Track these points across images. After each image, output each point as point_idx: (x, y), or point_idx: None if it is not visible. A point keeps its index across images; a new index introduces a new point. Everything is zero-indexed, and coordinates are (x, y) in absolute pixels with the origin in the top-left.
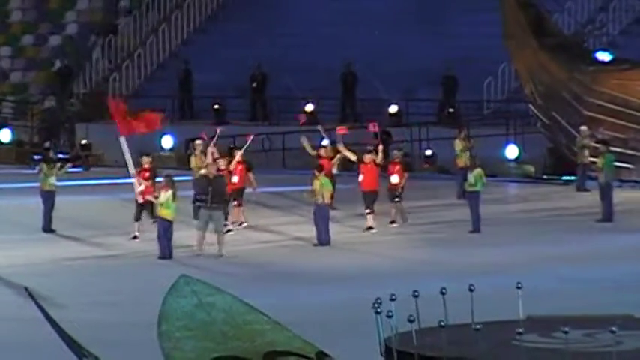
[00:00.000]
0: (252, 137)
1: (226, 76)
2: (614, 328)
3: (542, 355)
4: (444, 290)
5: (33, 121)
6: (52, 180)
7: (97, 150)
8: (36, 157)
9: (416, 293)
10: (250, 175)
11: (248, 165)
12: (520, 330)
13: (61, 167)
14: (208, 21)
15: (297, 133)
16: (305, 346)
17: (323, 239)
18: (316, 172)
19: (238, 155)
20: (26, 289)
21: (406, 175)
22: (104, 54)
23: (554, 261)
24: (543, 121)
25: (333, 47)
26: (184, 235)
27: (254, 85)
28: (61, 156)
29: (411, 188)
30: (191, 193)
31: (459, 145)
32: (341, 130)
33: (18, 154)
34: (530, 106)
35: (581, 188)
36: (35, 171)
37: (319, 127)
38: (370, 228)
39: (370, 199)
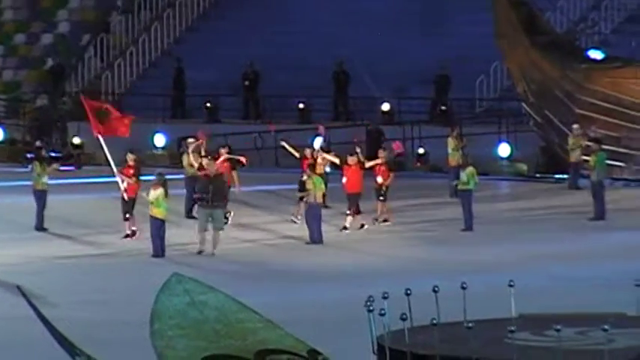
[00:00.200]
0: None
1: (219, 75)
2: (606, 327)
3: (535, 353)
4: (436, 288)
5: (25, 119)
6: (45, 179)
7: (89, 148)
8: (29, 156)
9: (408, 291)
10: (234, 173)
11: (233, 164)
12: (512, 328)
13: (53, 166)
14: (200, 19)
15: (290, 131)
16: (297, 345)
17: (315, 238)
18: (309, 171)
19: (224, 153)
20: (18, 287)
21: (391, 174)
22: (96, 52)
23: (547, 259)
24: (536, 120)
25: (326, 46)
26: (177, 234)
27: (246, 83)
28: (53, 154)
29: (403, 187)
30: (183, 191)
31: (451, 143)
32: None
33: (10, 153)
34: (523, 104)
35: (573, 186)
36: (28, 169)
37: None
38: (345, 228)
39: (353, 200)
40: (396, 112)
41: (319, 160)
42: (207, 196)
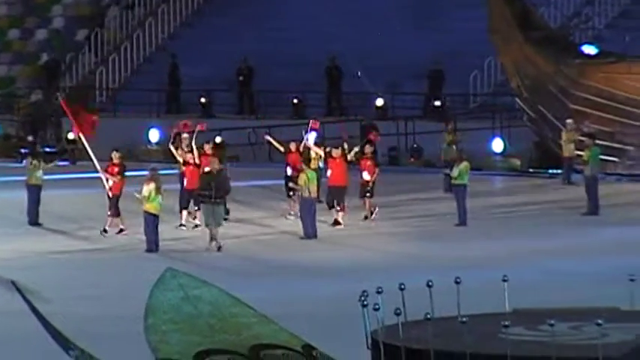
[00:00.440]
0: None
1: (213, 70)
2: (599, 321)
3: (529, 347)
4: (430, 283)
5: (19, 115)
6: (39, 174)
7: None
8: (23, 151)
9: (402, 286)
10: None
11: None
12: (506, 323)
13: (50, 161)
14: (195, 15)
15: (284, 126)
16: (291, 339)
17: (309, 232)
18: (303, 166)
19: (208, 148)
20: (13, 282)
21: (377, 170)
22: (91, 47)
23: (540, 254)
24: (529, 115)
25: (320, 41)
26: (171, 229)
27: (241, 78)
28: (47, 149)
29: (397, 182)
30: (177, 186)
31: (446, 138)
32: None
33: (5, 148)
34: (517, 99)
35: (567, 181)
36: (23, 164)
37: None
38: (337, 223)
39: (339, 194)
40: (390, 107)
41: (313, 155)
42: (210, 192)
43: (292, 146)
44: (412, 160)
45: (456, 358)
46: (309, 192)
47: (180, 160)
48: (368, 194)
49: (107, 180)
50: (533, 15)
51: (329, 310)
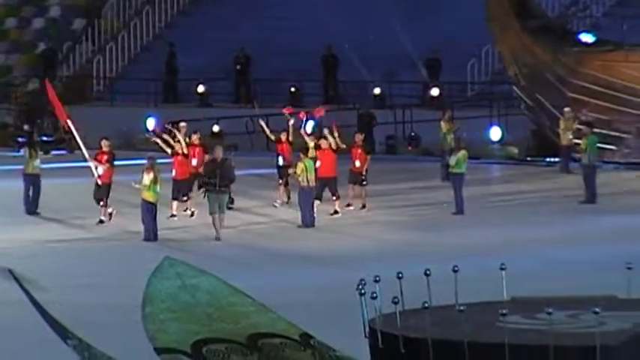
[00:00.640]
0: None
1: (210, 59)
2: (597, 309)
3: (526, 336)
4: (427, 272)
5: (16, 103)
6: (37, 163)
7: (80, 133)
8: (20, 140)
9: (400, 275)
10: (207, 157)
11: (205, 148)
12: (504, 311)
13: (47, 152)
14: (192, 3)
15: (281, 115)
16: (289, 328)
17: (307, 221)
18: (301, 155)
19: (196, 139)
20: (10, 271)
21: (368, 158)
22: (88, 36)
23: (538, 242)
24: (527, 103)
25: (317, 30)
26: (167, 217)
27: (238, 67)
28: (44, 139)
29: (394, 170)
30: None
31: (444, 127)
32: (288, 110)
33: (2, 137)
34: (514, 87)
35: (564, 170)
36: (20, 153)
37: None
38: (336, 212)
39: (330, 184)
40: (387, 95)
41: (310, 144)
42: (215, 180)
43: (283, 136)
44: (410, 148)
45: (454, 347)
46: (307, 181)
47: (168, 150)
48: (364, 182)
49: (96, 168)
50: (531, 3)
51: (327, 299)
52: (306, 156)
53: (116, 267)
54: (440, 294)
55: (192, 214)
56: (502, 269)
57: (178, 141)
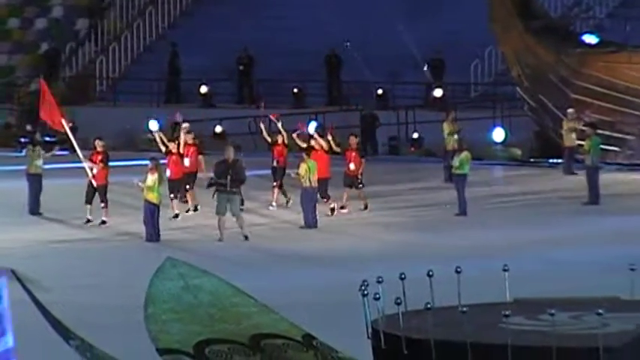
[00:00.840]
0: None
1: (213, 59)
2: (600, 311)
3: (529, 337)
4: (430, 273)
5: (19, 103)
6: (39, 163)
7: (82, 133)
8: (23, 140)
9: (402, 276)
10: (200, 157)
11: (199, 148)
12: (507, 312)
13: (49, 151)
14: (195, 4)
15: (284, 116)
16: (292, 329)
17: (310, 222)
18: (304, 156)
19: (189, 139)
20: (12, 271)
21: (363, 161)
22: (91, 37)
23: (541, 244)
24: (530, 104)
25: (320, 30)
26: (169, 218)
27: (241, 67)
28: (47, 139)
29: (397, 171)
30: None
31: (447, 128)
32: (273, 115)
33: (5, 137)
34: (517, 88)
35: (567, 171)
36: (22, 154)
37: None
38: (333, 209)
39: (322, 186)
40: (390, 96)
41: (314, 143)
42: (226, 180)
43: (279, 138)
44: (412, 149)
45: (456, 348)
46: (310, 182)
47: (163, 149)
48: (360, 185)
49: (91, 169)
50: (534, 4)
51: (329, 300)
52: (309, 157)
53: (118, 268)
54: (442, 295)
55: (195, 209)
56: (505, 270)
57: (174, 140)
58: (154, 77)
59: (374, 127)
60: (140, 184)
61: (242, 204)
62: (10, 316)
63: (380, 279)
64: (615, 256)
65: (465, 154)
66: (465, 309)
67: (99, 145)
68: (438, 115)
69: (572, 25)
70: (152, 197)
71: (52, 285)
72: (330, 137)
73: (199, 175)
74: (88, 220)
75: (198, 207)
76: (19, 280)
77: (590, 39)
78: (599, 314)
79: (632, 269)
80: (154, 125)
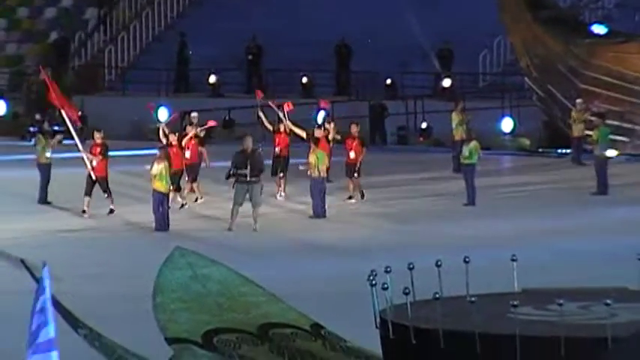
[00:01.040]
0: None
1: (222, 49)
2: (608, 301)
3: (537, 327)
4: (439, 263)
5: (28, 93)
6: (48, 152)
7: (92, 122)
8: (32, 130)
9: (411, 265)
10: (203, 150)
11: (200, 140)
12: (515, 303)
13: (59, 140)
14: None
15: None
16: (300, 318)
17: (319, 212)
18: (312, 145)
19: (191, 132)
20: (22, 260)
21: (364, 150)
22: (100, 26)
23: (549, 233)
24: (539, 94)
25: (329, 20)
26: (179, 208)
27: (250, 57)
28: (56, 128)
29: (406, 161)
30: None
31: (455, 118)
32: (289, 106)
33: (14, 127)
34: (526, 79)
35: (576, 161)
36: (31, 143)
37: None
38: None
39: None
40: (399, 86)
41: (323, 134)
42: (246, 170)
43: (281, 127)
44: (421, 139)
45: (465, 338)
46: (319, 172)
47: (164, 140)
48: (355, 175)
49: (91, 161)
50: None
51: (338, 289)
52: (318, 147)
53: (127, 257)
54: (451, 285)
55: (196, 200)
56: (513, 260)
57: (174, 132)
58: (163, 67)
59: (383, 117)
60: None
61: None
62: (52, 307)
63: (388, 269)
64: (624, 246)
65: (473, 144)
66: (473, 299)
67: (98, 136)
68: (447, 105)
69: (581, 15)
70: (160, 186)
71: (61, 274)
72: (330, 126)
73: (203, 165)
74: (84, 211)
75: (199, 199)
76: (28, 269)
77: (599, 29)
78: (607, 304)
79: None
80: (163, 114)
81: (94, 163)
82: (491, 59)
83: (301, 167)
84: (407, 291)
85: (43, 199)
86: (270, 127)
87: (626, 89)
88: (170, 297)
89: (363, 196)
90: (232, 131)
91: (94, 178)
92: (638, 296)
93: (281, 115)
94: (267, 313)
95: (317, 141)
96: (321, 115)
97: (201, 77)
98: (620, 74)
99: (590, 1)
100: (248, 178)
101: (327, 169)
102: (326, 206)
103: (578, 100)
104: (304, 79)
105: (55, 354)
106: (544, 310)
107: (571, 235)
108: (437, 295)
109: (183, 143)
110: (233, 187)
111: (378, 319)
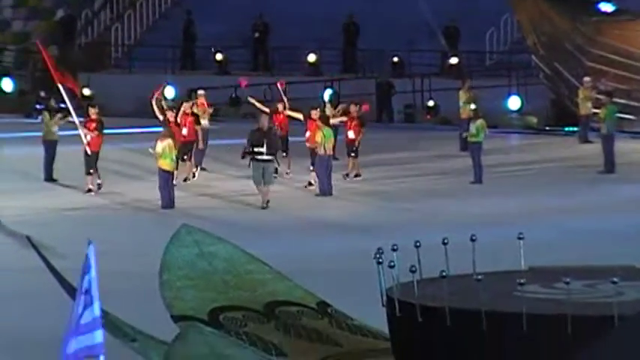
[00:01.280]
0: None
1: (228, 26)
2: (615, 279)
3: (544, 305)
4: (445, 240)
5: (34, 70)
6: (55, 129)
7: (98, 100)
8: (38, 107)
9: (417, 243)
10: (198, 128)
11: (197, 118)
12: (522, 281)
13: (63, 117)
14: None
15: (299, 83)
16: (306, 296)
17: (325, 189)
18: (319, 123)
19: (187, 107)
20: (28, 238)
21: (363, 130)
22: (106, 4)
23: (556, 212)
24: (546, 72)
25: None
26: (186, 185)
27: (256, 35)
28: (62, 105)
29: (413, 139)
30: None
31: (462, 96)
32: (282, 84)
33: (20, 104)
34: (533, 57)
35: (583, 139)
36: (38, 120)
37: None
38: (310, 184)
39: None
40: (406, 64)
41: (329, 113)
42: (262, 149)
43: (279, 106)
44: (428, 117)
45: (471, 316)
46: (325, 150)
47: (161, 117)
48: (353, 154)
49: (86, 136)
50: None
51: (344, 267)
52: (325, 125)
53: (133, 234)
54: (457, 263)
55: (193, 176)
56: (520, 239)
57: (171, 108)
58: (169, 44)
59: (390, 94)
60: (152, 151)
61: (276, 172)
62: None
63: (395, 247)
64: (631, 225)
65: (480, 122)
66: (480, 277)
67: (93, 112)
68: (454, 83)
69: None
70: (164, 164)
71: (67, 252)
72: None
73: (200, 146)
74: (90, 190)
75: (191, 177)
76: (34, 246)
77: (606, 7)
78: (614, 283)
79: None
80: (170, 92)
81: (89, 138)
82: (498, 37)
83: (308, 145)
84: (413, 269)
85: (49, 177)
86: (266, 109)
87: (634, 67)
88: (176, 274)
89: (357, 175)
90: (238, 109)
91: (89, 153)
92: None
93: (282, 95)
94: (273, 290)
95: (326, 119)
96: (328, 93)
97: (208, 55)
98: (627, 52)
99: None
100: (264, 157)
101: (334, 148)
102: (332, 184)
103: (586, 78)
104: (310, 57)
105: (99, 332)
106: (551, 288)
107: (578, 213)
108: (443, 273)
109: (178, 120)
110: (249, 165)
111: (384, 297)
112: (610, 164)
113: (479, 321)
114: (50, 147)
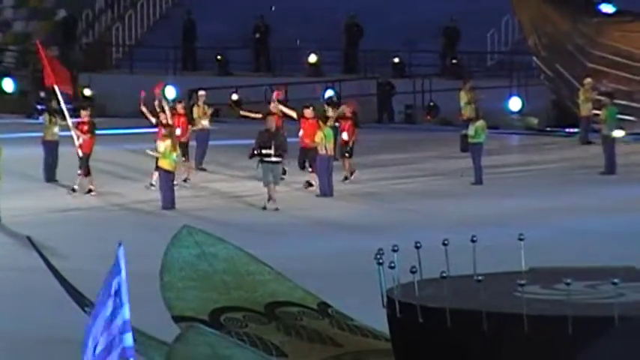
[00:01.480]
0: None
1: (229, 27)
2: (616, 280)
3: (544, 306)
4: (446, 241)
5: (35, 70)
6: (55, 130)
7: (99, 100)
8: (39, 107)
9: (418, 244)
10: (190, 128)
11: (189, 118)
12: (522, 281)
13: (63, 118)
14: None
15: (300, 84)
16: (307, 297)
17: (326, 190)
18: (320, 124)
19: (180, 108)
20: (29, 238)
21: (356, 131)
22: (107, 4)
23: (557, 212)
24: (547, 73)
25: None
26: (187, 185)
27: (257, 35)
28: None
29: (413, 140)
30: (193, 143)
31: (464, 97)
32: (278, 95)
33: (21, 104)
34: (534, 58)
35: (584, 140)
36: (39, 121)
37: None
38: (310, 184)
39: (310, 155)
40: (407, 65)
41: (330, 113)
42: (270, 151)
43: (273, 108)
44: (428, 118)
45: (472, 317)
46: (326, 150)
47: (153, 120)
48: (347, 154)
49: (78, 138)
50: None
51: (344, 268)
52: (325, 125)
53: (134, 235)
54: (458, 264)
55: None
56: (520, 239)
57: (163, 110)
58: (170, 45)
59: (390, 95)
60: (151, 152)
61: (284, 173)
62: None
63: (395, 247)
64: (631, 226)
65: (480, 123)
66: (480, 278)
67: (84, 114)
68: (455, 84)
69: None
70: (166, 164)
71: (68, 252)
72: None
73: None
74: (90, 190)
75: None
76: (34, 247)
77: (607, 8)
78: (614, 284)
79: None
80: (171, 92)
81: (81, 140)
82: (499, 38)
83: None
84: (414, 269)
85: (51, 178)
86: (258, 115)
87: (635, 68)
88: (177, 275)
89: (350, 175)
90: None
91: (80, 155)
92: None
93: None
94: (274, 291)
95: (326, 119)
96: (328, 93)
97: (209, 55)
98: (628, 53)
99: None
100: (272, 158)
101: (334, 148)
102: (333, 184)
103: (587, 80)
104: (311, 58)
105: (129, 335)
106: (551, 289)
107: (579, 214)
108: (444, 274)
109: (169, 121)
110: (257, 167)
111: (385, 298)
112: (611, 165)
113: (479, 322)
114: (50, 148)
